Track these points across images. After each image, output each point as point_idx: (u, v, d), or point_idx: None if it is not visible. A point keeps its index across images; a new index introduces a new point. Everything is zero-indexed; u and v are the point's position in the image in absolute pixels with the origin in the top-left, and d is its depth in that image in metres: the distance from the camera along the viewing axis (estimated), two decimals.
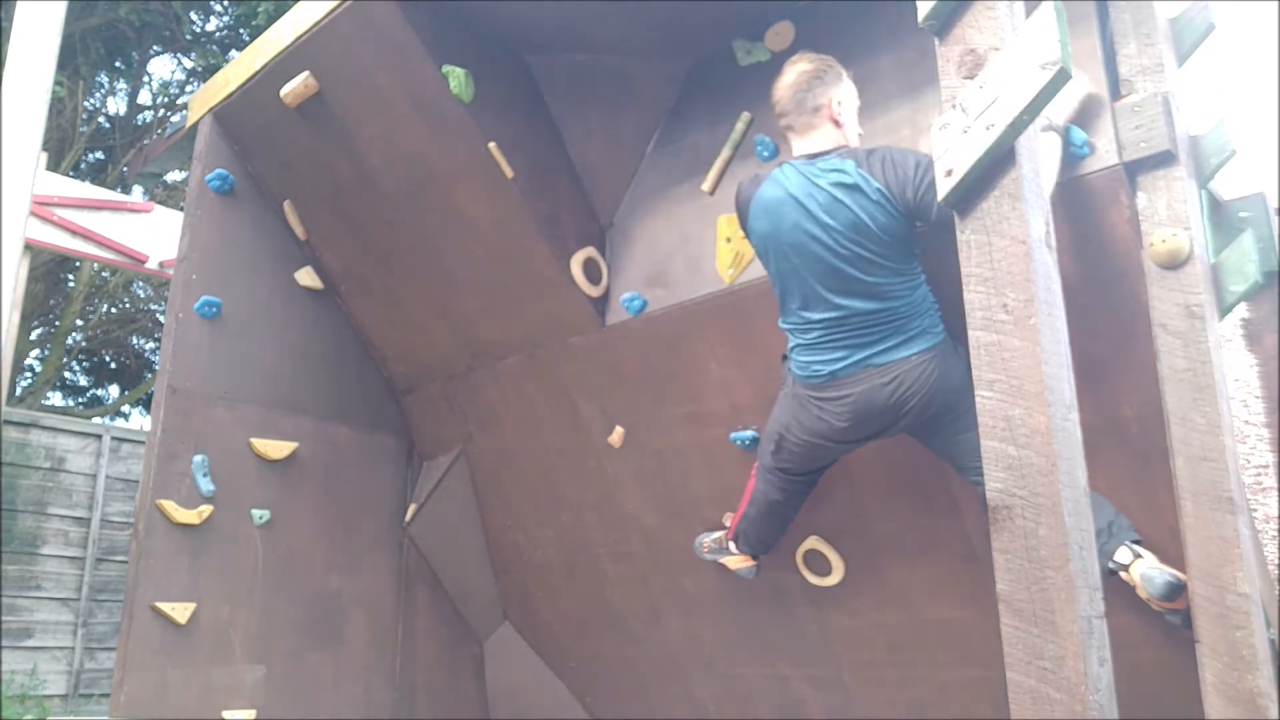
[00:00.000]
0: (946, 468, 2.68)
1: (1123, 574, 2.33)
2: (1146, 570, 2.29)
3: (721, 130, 3.29)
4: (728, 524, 3.19)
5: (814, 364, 2.57)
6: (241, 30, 10.52)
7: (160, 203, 8.50)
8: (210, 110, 3.79)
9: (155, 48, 10.98)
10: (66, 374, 12.69)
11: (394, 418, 4.25)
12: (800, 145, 2.59)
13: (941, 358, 2.45)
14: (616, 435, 3.58)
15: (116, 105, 11.38)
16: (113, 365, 12.83)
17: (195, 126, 3.88)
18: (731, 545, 3.15)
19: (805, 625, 3.33)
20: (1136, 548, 2.33)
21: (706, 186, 3.27)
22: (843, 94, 2.58)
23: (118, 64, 10.72)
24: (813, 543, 3.19)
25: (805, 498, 2.92)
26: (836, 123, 2.56)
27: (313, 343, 3.99)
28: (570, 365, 3.60)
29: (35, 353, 11.29)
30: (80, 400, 13.22)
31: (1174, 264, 2.26)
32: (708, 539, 3.29)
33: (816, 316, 2.53)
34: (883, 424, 2.54)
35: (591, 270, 3.44)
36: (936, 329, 2.49)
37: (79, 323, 11.15)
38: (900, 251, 2.44)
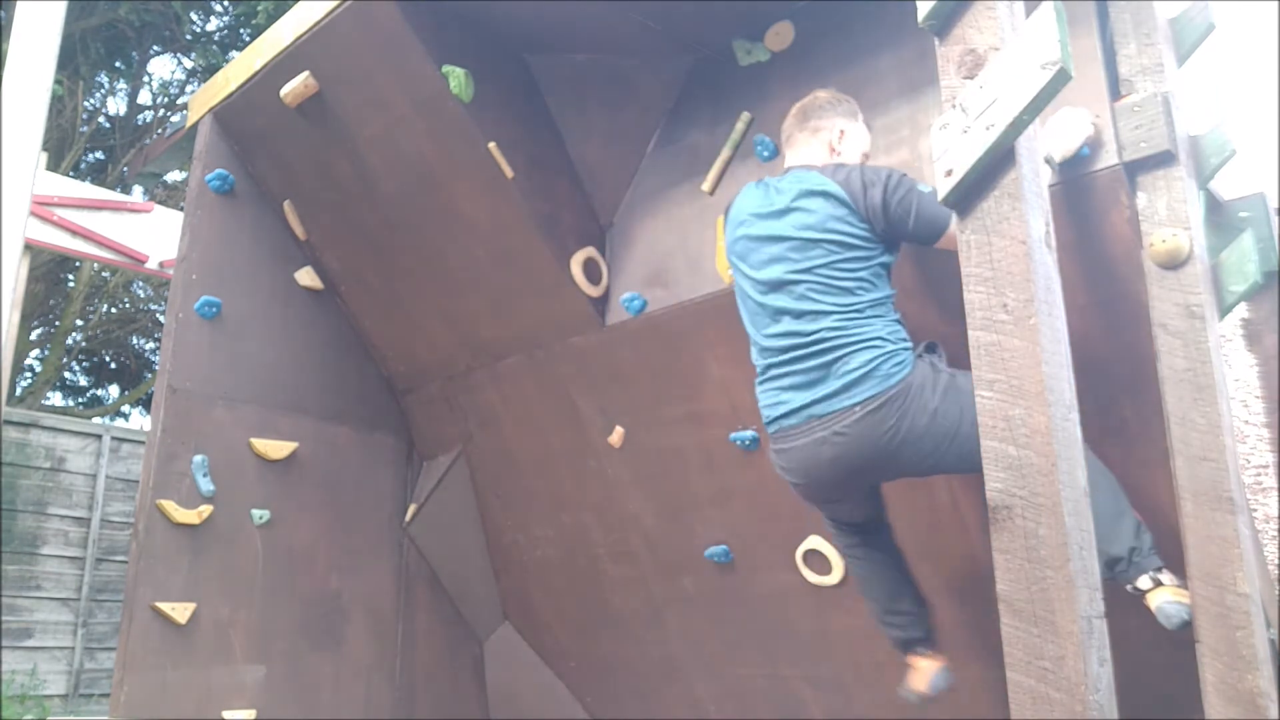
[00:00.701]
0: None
1: (1142, 599, 2.32)
2: (1164, 605, 2.24)
3: (721, 130, 3.29)
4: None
5: (764, 407, 2.43)
6: (241, 30, 10.51)
7: (160, 203, 8.49)
8: (210, 110, 3.79)
9: (155, 48, 10.97)
10: (66, 374, 12.69)
11: (394, 418, 4.25)
12: (788, 160, 2.60)
13: (900, 400, 2.24)
14: (616, 435, 3.58)
15: (116, 105, 11.38)
16: (113, 365, 12.83)
17: (195, 126, 3.88)
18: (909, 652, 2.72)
19: (805, 625, 3.33)
20: (1159, 575, 2.28)
21: (706, 186, 3.27)
22: (851, 130, 2.55)
23: (118, 64, 10.72)
24: (813, 543, 3.19)
25: (878, 558, 2.63)
26: (832, 150, 2.54)
27: (313, 343, 3.99)
28: (570, 365, 3.60)
29: (35, 353, 11.29)
30: (80, 400, 13.22)
31: (1174, 264, 2.26)
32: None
33: (763, 340, 2.43)
34: (842, 484, 2.37)
35: (591, 270, 3.44)
36: (896, 371, 2.26)
37: (79, 323, 11.15)
38: (858, 269, 2.32)
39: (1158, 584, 2.27)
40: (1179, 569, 2.26)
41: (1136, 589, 2.30)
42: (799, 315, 2.35)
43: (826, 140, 2.55)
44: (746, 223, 2.50)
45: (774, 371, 2.42)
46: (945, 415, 2.26)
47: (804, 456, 2.34)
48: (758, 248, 2.46)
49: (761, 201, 2.49)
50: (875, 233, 2.35)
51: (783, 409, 2.37)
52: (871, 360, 2.26)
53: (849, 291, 2.32)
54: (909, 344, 2.35)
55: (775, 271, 2.40)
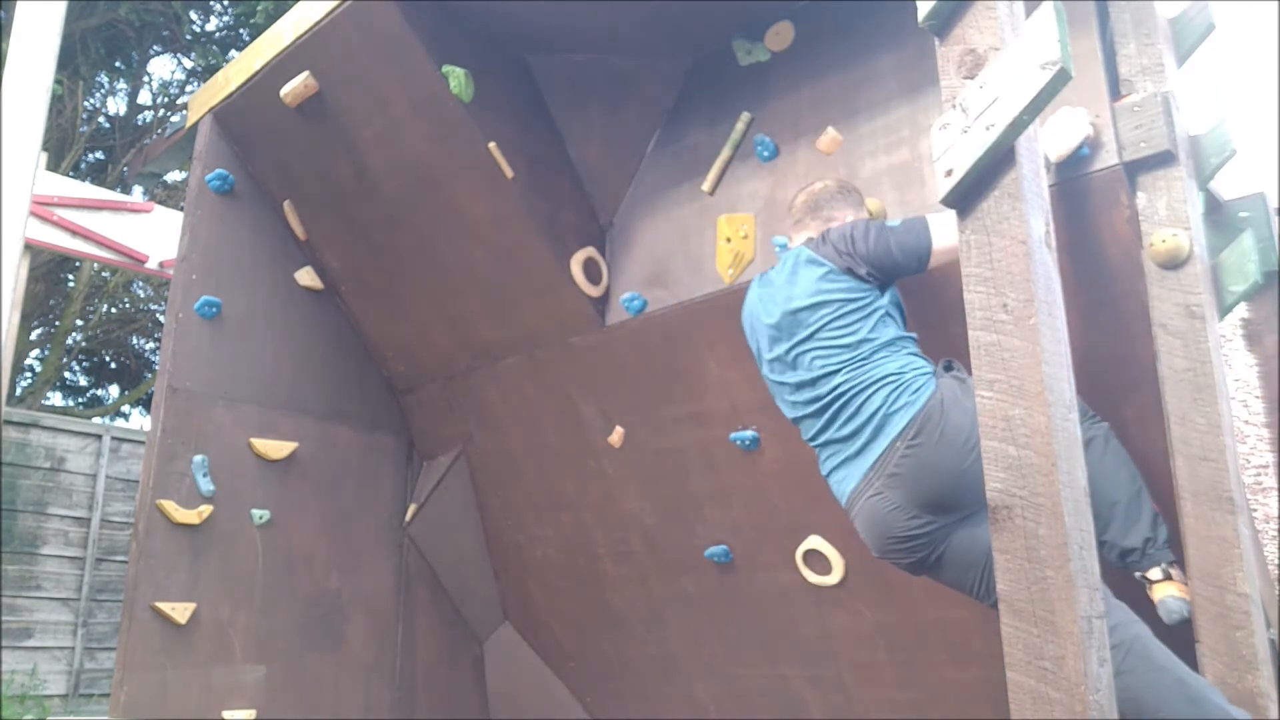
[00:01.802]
0: None
1: (1148, 587, 2.32)
2: (1167, 599, 2.25)
3: (721, 130, 3.29)
4: None
5: (832, 483, 2.41)
6: (241, 30, 10.51)
7: (160, 203, 8.49)
8: (210, 110, 3.79)
9: (155, 48, 10.97)
10: (66, 374, 12.68)
11: (394, 418, 4.25)
12: (795, 242, 2.65)
13: (935, 417, 2.20)
14: (616, 435, 3.58)
15: (116, 105, 11.38)
16: (113, 365, 12.83)
17: (195, 126, 3.88)
18: None
19: (805, 625, 3.33)
20: (1170, 569, 2.29)
21: (706, 186, 3.27)
22: (859, 218, 2.59)
23: (118, 64, 10.72)
24: (813, 543, 3.19)
25: None
26: None
27: (313, 343, 3.99)
28: (570, 365, 3.60)
29: (35, 353, 11.29)
30: (80, 400, 13.22)
31: (1174, 264, 2.26)
32: None
33: (792, 414, 2.49)
34: (914, 546, 2.25)
35: (591, 270, 3.44)
36: (917, 397, 2.24)
37: (79, 323, 11.15)
38: (855, 322, 2.35)
39: (1167, 577, 2.29)
40: (1179, 569, 2.26)
41: (1146, 578, 2.31)
42: (813, 382, 2.39)
43: (834, 225, 2.56)
44: (759, 318, 2.60)
45: (823, 454, 2.43)
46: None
47: (871, 515, 2.28)
48: (768, 330, 2.55)
49: (766, 293, 2.59)
50: (865, 282, 2.39)
51: (847, 484, 2.35)
52: (889, 396, 2.26)
53: (851, 346, 2.35)
54: (928, 370, 2.32)
55: (782, 348, 2.48)
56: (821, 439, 2.41)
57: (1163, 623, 2.27)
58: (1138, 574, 2.33)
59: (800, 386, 2.43)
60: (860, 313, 2.37)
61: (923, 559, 2.27)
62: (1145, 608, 2.32)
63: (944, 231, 2.35)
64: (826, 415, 2.37)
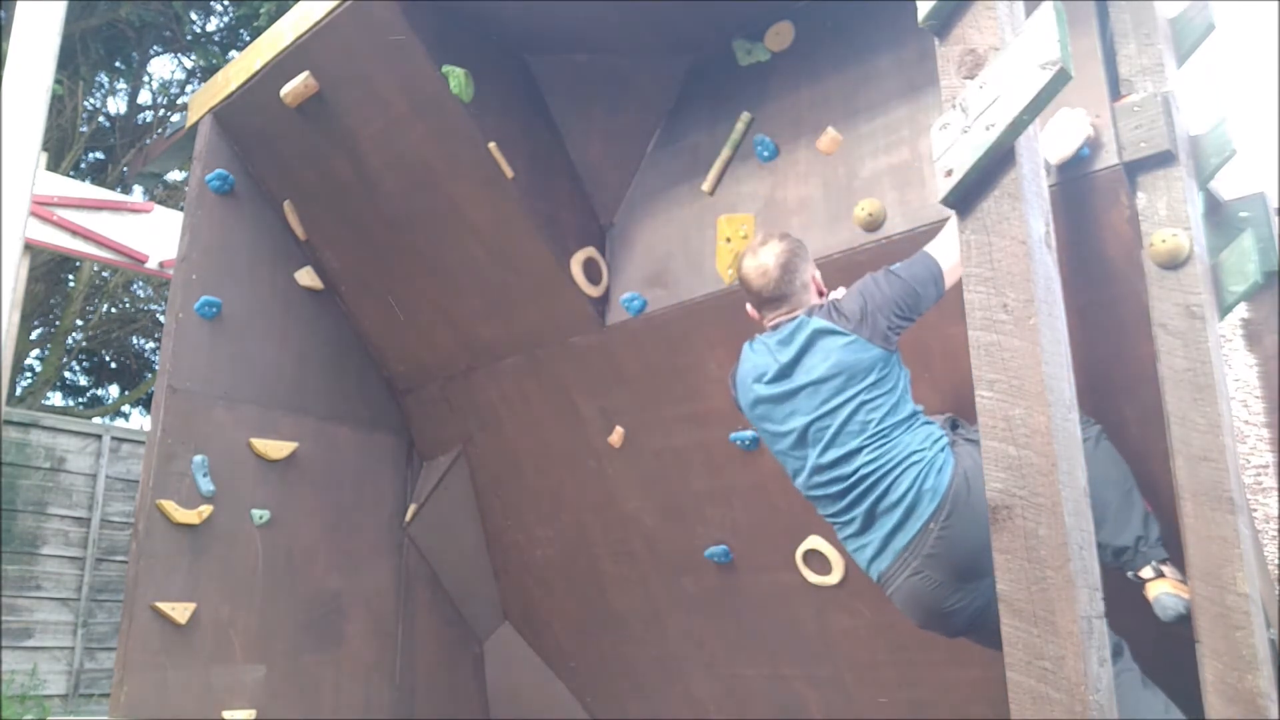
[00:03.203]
0: None
1: (1143, 588, 2.33)
2: (1162, 596, 2.25)
3: (721, 130, 3.29)
4: None
5: (853, 553, 2.37)
6: (241, 30, 10.51)
7: (160, 203, 8.49)
8: (210, 110, 3.79)
9: (155, 48, 10.97)
10: (66, 374, 12.68)
11: (394, 418, 4.25)
12: (774, 319, 2.49)
13: (963, 494, 2.18)
14: (616, 435, 3.58)
15: (116, 105, 11.38)
16: (113, 365, 12.83)
17: (195, 126, 3.88)
18: None
19: (805, 625, 3.33)
20: (1161, 566, 2.30)
21: (706, 186, 3.27)
22: (813, 264, 2.54)
23: (118, 64, 10.72)
24: (813, 543, 3.19)
25: None
26: (819, 292, 2.51)
27: (313, 343, 3.99)
28: (570, 365, 3.60)
29: (35, 353, 11.28)
30: (80, 400, 13.22)
31: (1174, 264, 2.26)
32: None
33: (807, 491, 2.40)
34: (958, 615, 2.24)
35: (591, 270, 3.44)
36: (943, 476, 2.21)
37: (79, 323, 11.14)
38: (876, 397, 2.28)
39: (1159, 574, 2.29)
40: (1179, 569, 2.26)
41: (1139, 577, 2.32)
42: (834, 463, 2.30)
43: (812, 288, 2.49)
44: (757, 387, 2.46)
45: (837, 524, 2.38)
46: None
47: (913, 594, 2.26)
48: (776, 406, 2.42)
49: (766, 361, 2.44)
50: (888, 350, 2.31)
51: (868, 553, 2.31)
52: (916, 477, 2.22)
53: (873, 423, 2.27)
54: (944, 441, 2.29)
55: (797, 423, 2.36)
56: (844, 519, 2.34)
57: (1162, 622, 2.27)
58: (1130, 573, 2.33)
59: (821, 469, 2.33)
60: (884, 386, 2.30)
61: (967, 623, 2.27)
62: (1144, 616, 2.32)
63: (945, 254, 2.33)
64: (850, 496, 2.30)
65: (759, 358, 2.47)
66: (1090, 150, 2.38)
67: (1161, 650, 2.42)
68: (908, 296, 2.31)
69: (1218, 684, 2.07)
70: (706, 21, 3.26)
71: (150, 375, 11.91)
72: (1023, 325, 1.73)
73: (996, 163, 1.81)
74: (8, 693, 6.76)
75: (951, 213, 2.09)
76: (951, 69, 1.91)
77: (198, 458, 3.53)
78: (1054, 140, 2.40)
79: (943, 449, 2.25)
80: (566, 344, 3.55)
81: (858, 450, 2.27)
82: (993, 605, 2.12)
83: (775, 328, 2.47)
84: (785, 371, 2.38)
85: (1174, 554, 2.32)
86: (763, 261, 2.44)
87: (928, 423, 2.34)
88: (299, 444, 3.84)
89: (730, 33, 3.29)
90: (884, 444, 2.26)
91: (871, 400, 2.28)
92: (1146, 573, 2.31)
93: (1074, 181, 2.41)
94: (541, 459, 3.88)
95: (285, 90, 3.42)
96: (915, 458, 2.24)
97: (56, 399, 12.86)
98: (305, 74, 3.38)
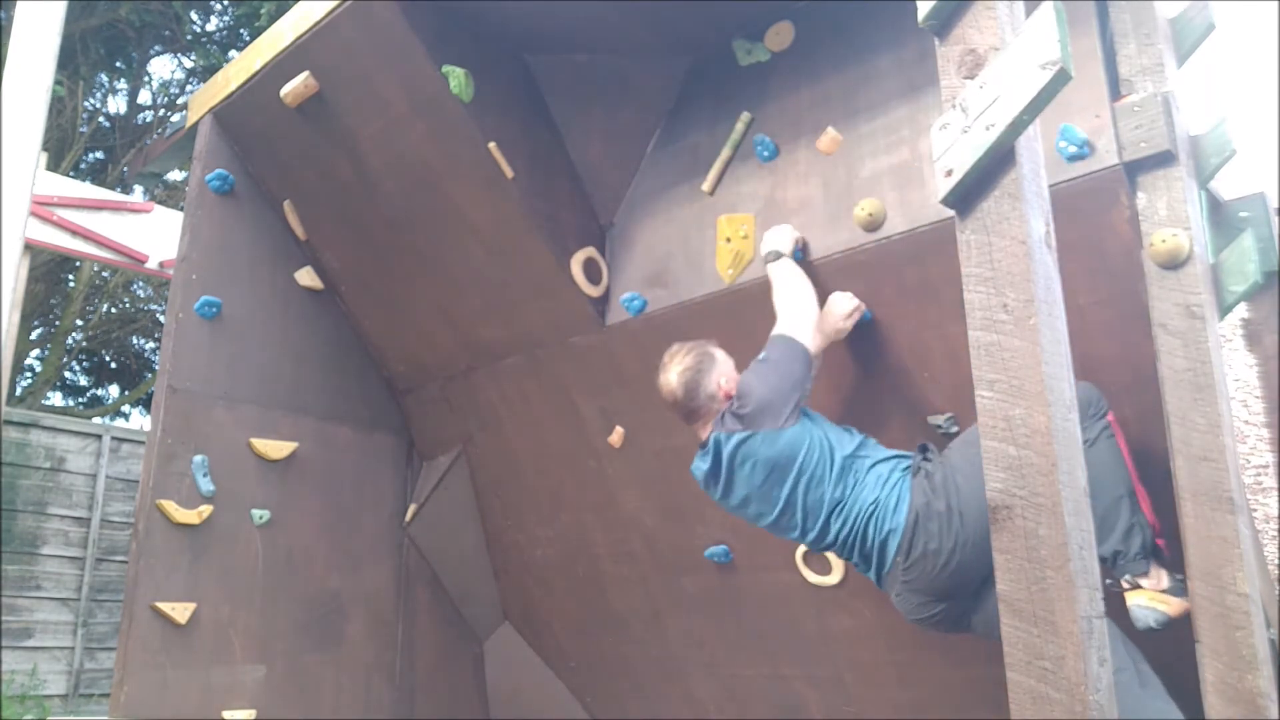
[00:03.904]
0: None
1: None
2: (1133, 607, 2.32)
3: (721, 130, 3.29)
4: None
5: (897, 605, 2.52)
6: (241, 30, 10.51)
7: (160, 203, 8.49)
8: (210, 110, 3.79)
9: (155, 48, 10.97)
10: (66, 374, 12.69)
11: (394, 418, 4.25)
12: (699, 432, 2.66)
13: (917, 523, 2.36)
14: (616, 435, 3.58)
15: (116, 105, 11.39)
16: (113, 365, 12.83)
17: (195, 126, 3.88)
18: None
19: (805, 625, 3.33)
20: (1139, 579, 2.33)
21: (706, 186, 3.27)
22: (724, 370, 2.64)
23: (118, 64, 10.72)
24: None
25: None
26: (728, 397, 2.61)
27: (313, 343, 3.99)
28: (570, 365, 3.60)
29: (35, 353, 11.29)
30: (80, 400, 13.22)
31: (1174, 264, 2.26)
32: None
33: (804, 544, 2.62)
34: (944, 622, 2.44)
35: (591, 270, 3.44)
36: (898, 516, 2.39)
37: (79, 323, 11.15)
38: (815, 467, 2.46)
39: (1135, 586, 2.32)
40: (1179, 569, 2.26)
41: (1117, 587, 2.34)
42: (817, 538, 2.52)
43: (720, 396, 2.60)
44: (717, 500, 2.68)
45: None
46: (966, 499, 2.31)
47: (901, 607, 2.48)
48: (741, 510, 2.62)
49: (710, 481, 2.63)
50: (792, 424, 2.48)
51: (869, 575, 2.53)
52: (878, 524, 2.40)
53: (825, 494, 2.46)
54: (896, 477, 2.43)
55: (767, 518, 2.57)
56: (849, 558, 2.56)
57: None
58: (1108, 581, 2.34)
59: (809, 543, 2.56)
60: (813, 456, 2.46)
61: (955, 626, 2.44)
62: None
63: (800, 328, 2.56)
64: (841, 552, 2.54)
65: (702, 476, 2.65)
66: (1090, 150, 2.38)
67: (1161, 650, 2.42)
68: (782, 383, 2.50)
69: (1218, 684, 2.07)
70: (706, 21, 3.26)
71: (150, 375, 11.91)
72: (1023, 325, 1.73)
73: (996, 163, 1.81)
74: (8, 693, 6.76)
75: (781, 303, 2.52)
76: (951, 69, 1.91)
77: (198, 458, 3.53)
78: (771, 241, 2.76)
79: (896, 485, 2.41)
80: (566, 344, 3.55)
81: (828, 521, 2.47)
82: (991, 613, 2.24)
83: (703, 446, 2.63)
84: (727, 490, 2.58)
85: (1174, 554, 2.32)
86: (668, 380, 2.63)
87: (880, 461, 2.48)
88: (299, 444, 3.84)
89: (730, 33, 3.29)
90: (846, 508, 2.45)
91: (814, 476, 2.46)
92: (1124, 584, 2.35)
93: (1074, 181, 2.41)
94: (541, 459, 3.88)
95: (285, 90, 3.42)
96: (872, 507, 2.42)
97: (56, 399, 12.86)
98: (305, 74, 3.38)
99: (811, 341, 2.55)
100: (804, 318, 2.59)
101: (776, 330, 2.59)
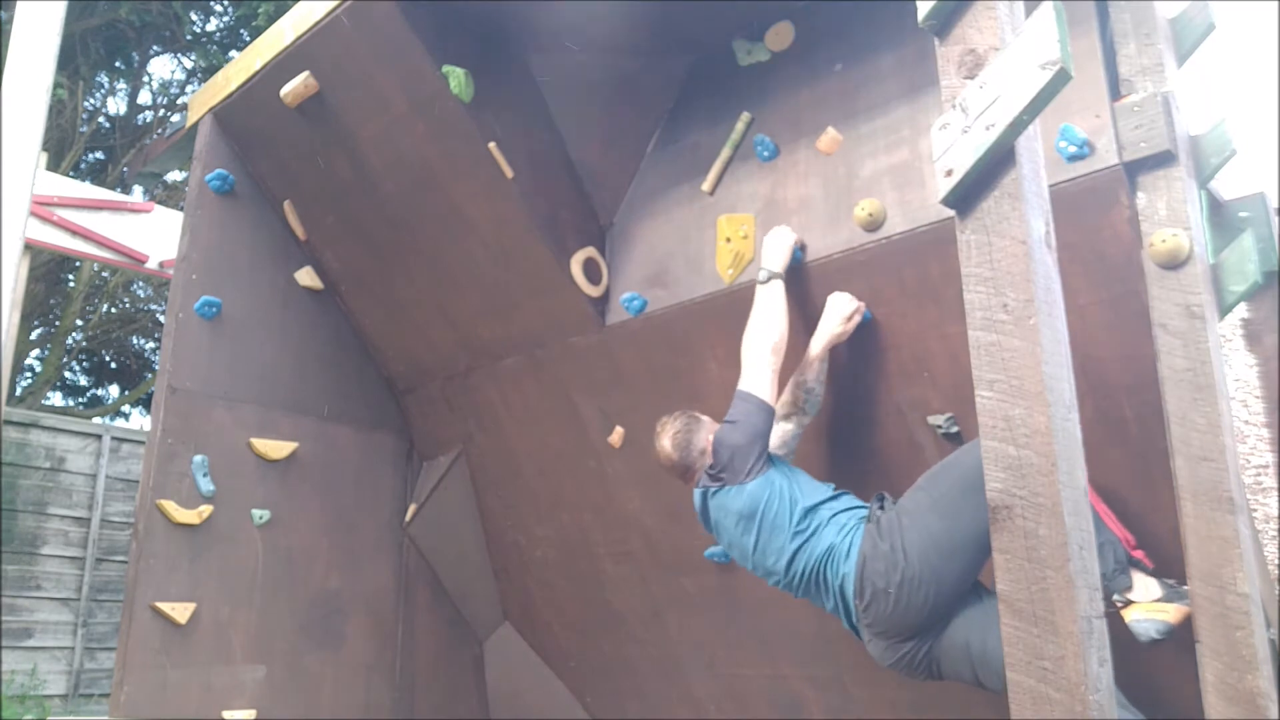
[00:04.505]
0: (947, 470, 2.64)
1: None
2: (1133, 623, 2.33)
3: (721, 130, 3.29)
4: None
5: (871, 653, 2.59)
6: (241, 30, 10.51)
7: (160, 203, 8.49)
8: (210, 110, 3.79)
9: (155, 48, 10.97)
10: (66, 374, 12.68)
11: (394, 418, 4.25)
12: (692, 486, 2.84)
13: (864, 567, 2.42)
14: (616, 435, 3.58)
15: (116, 105, 11.38)
16: (113, 365, 12.83)
17: (195, 126, 3.88)
18: None
19: (805, 625, 3.33)
20: (1127, 594, 2.36)
21: (706, 186, 3.27)
22: (709, 429, 2.82)
23: (118, 64, 10.72)
24: None
25: None
26: (707, 455, 2.78)
27: (313, 343, 3.99)
28: (570, 365, 3.60)
29: (35, 353, 11.28)
30: (80, 400, 13.22)
31: (1174, 264, 2.26)
32: None
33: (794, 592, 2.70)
34: (914, 666, 2.48)
35: (591, 270, 3.44)
36: (849, 560, 2.46)
37: (79, 323, 11.14)
38: (776, 515, 2.57)
39: (1127, 604, 2.32)
40: (1179, 569, 2.26)
41: (1112, 608, 2.35)
42: (783, 585, 2.64)
43: (708, 451, 2.76)
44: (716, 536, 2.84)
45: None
46: (910, 538, 2.37)
47: (872, 653, 2.54)
48: (743, 558, 2.75)
49: (703, 522, 2.81)
50: (758, 477, 2.61)
51: (843, 622, 2.61)
52: (834, 568, 2.49)
53: (784, 543, 2.56)
54: (850, 526, 2.51)
55: (749, 565, 2.71)
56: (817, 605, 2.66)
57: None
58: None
59: (781, 584, 2.66)
60: (773, 505, 2.57)
61: (929, 669, 2.47)
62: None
63: (760, 384, 2.68)
64: (804, 594, 2.64)
65: (703, 524, 2.84)
66: (1090, 150, 2.38)
67: (1161, 650, 2.42)
68: (747, 436, 2.63)
69: (1218, 684, 2.07)
70: (706, 21, 3.26)
71: (150, 375, 11.91)
72: (1023, 325, 1.73)
73: (996, 163, 1.81)
74: (8, 693, 6.76)
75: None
76: (951, 69, 1.91)
77: (198, 458, 3.52)
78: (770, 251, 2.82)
79: (851, 531, 2.49)
80: (566, 344, 3.55)
81: (791, 565, 2.56)
82: (946, 653, 2.39)
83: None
84: (718, 538, 2.76)
85: (1173, 555, 2.32)
86: (663, 446, 2.83)
87: (843, 511, 2.56)
88: (299, 444, 3.84)
89: (730, 33, 3.29)
90: (806, 554, 2.54)
91: (774, 524, 2.57)
92: (1117, 602, 2.36)
93: (1074, 181, 2.41)
94: (541, 459, 3.88)
95: (285, 90, 3.42)
96: (828, 552, 2.51)
97: (56, 399, 12.86)
98: (305, 74, 3.38)
99: (771, 395, 2.69)
100: (764, 371, 2.71)
101: (740, 385, 2.73)
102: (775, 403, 2.71)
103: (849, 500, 2.63)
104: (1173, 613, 2.27)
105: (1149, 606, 2.29)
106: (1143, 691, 2.40)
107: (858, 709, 3.31)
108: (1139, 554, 2.45)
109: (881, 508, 2.52)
